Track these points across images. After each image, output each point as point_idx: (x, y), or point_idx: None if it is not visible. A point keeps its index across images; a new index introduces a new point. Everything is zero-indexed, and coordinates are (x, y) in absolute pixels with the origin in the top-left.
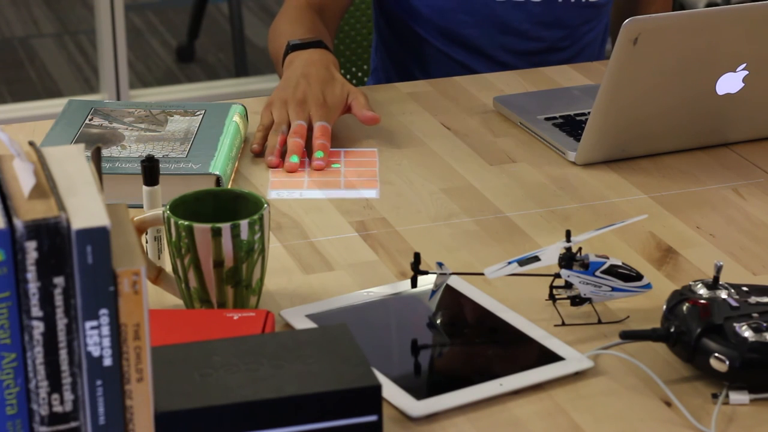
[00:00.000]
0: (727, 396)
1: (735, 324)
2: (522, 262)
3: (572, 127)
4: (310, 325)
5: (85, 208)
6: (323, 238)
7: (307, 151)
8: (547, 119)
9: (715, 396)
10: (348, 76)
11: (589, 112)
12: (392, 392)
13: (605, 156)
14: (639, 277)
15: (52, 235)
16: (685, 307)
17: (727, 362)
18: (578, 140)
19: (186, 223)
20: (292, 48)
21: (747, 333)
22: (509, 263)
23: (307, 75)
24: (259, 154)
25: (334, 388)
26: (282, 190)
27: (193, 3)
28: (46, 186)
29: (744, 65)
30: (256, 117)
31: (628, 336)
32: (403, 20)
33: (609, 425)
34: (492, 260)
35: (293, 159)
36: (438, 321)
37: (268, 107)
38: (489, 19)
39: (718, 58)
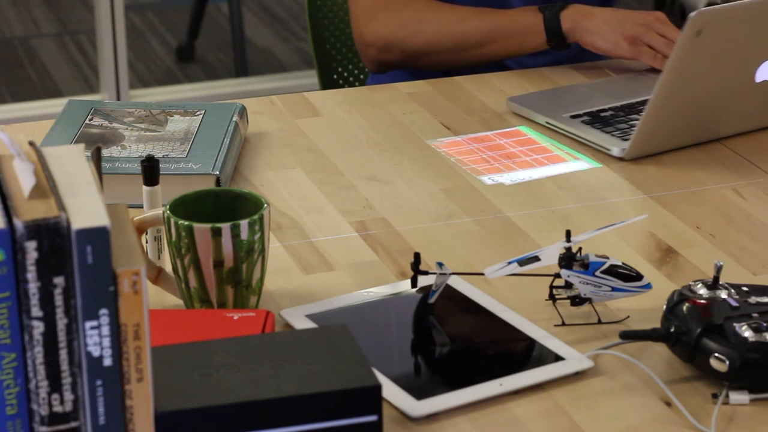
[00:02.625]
0: (727, 396)
1: (735, 324)
2: (522, 262)
3: (603, 123)
4: (310, 325)
5: (85, 208)
6: (323, 238)
7: None
8: (573, 117)
9: (715, 396)
10: (347, 75)
11: (608, 108)
12: (392, 392)
13: (654, 149)
14: (639, 277)
15: (52, 235)
16: (685, 307)
17: (727, 362)
18: (615, 135)
19: (186, 223)
20: (559, 10)
21: (747, 333)
22: (509, 263)
23: (615, 10)
24: None
25: (334, 388)
26: (497, 174)
27: (193, 3)
28: (46, 186)
29: None
30: (256, 117)
31: (628, 336)
32: None
33: (609, 425)
34: (492, 260)
35: None
36: (438, 321)
37: (636, 42)
38: None
39: None
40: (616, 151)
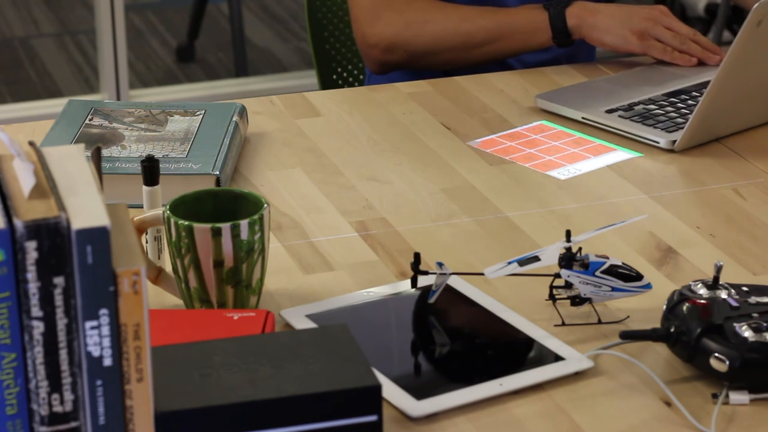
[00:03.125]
0: (727, 396)
1: (735, 324)
2: (522, 262)
3: (640, 116)
4: (310, 325)
5: (85, 208)
6: (323, 238)
7: None
8: (609, 111)
9: (715, 396)
10: (347, 76)
11: (638, 102)
12: (392, 392)
13: (704, 139)
14: (639, 277)
15: (52, 235)
16: (685, 307)
17: (727, 362)
18: (659, 128)
19: (186, 223)
20: (564, 6)
21: (747, 333)
22: (509, 263)
23: (627, 8)
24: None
25: (334, 388)
26: (563, 169)
27: (193, 3)
28: (46, 186)
29: None
30: (255, 117)
31: (628, 336)
32: None
33: (609, 425)
34: (492, 260)
35: None
36: (438, 321)
37: (644, 37)
38: None
39: None
40: (663, 143)
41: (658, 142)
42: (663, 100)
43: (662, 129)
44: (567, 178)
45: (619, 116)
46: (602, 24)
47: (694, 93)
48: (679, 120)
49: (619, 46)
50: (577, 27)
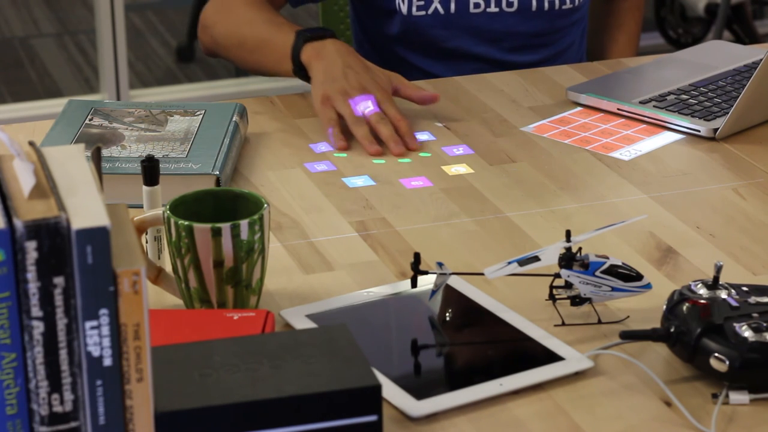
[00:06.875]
0: (727, 396)
1: (735, 324)
2: (522, 262)
3: (675, 106)
4: (310, 325)
5: (85, 208)
6: (323, 238)
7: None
8: (643, 102)
9: (715, 396)
10: None
11: (667, 92)
12: (392, 392)
13: (743, 126)
14: (639, 277)
15: (52, 235)
16: (685, 307)
17: (727, 362)
18: (696, 117)
19: (186, 223)
20: (307, 39)
21: (747, 333)
22: (509, 263)
23: (349, 65)
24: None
25: (334, 388)
26: (623, 150)
27: (193, 3)
28: (46, 186)
29: None
30: (256, 117)
31: (628, 336)
32: (381, 30)
33: (609, 425)
34: (492, 260)
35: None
36: (438, 321)
37: (327, 103)
38: (466, 30)
39: None
40: (704, 131)
41: (698, 131)
42: (692, 90)
43: (700, 118)
44: (630, 159)
45: (654, 106)
46: (315, 72)
47: (721, 82)
48: (715, 109)
49: (314, 104)
50: (307, 66)
